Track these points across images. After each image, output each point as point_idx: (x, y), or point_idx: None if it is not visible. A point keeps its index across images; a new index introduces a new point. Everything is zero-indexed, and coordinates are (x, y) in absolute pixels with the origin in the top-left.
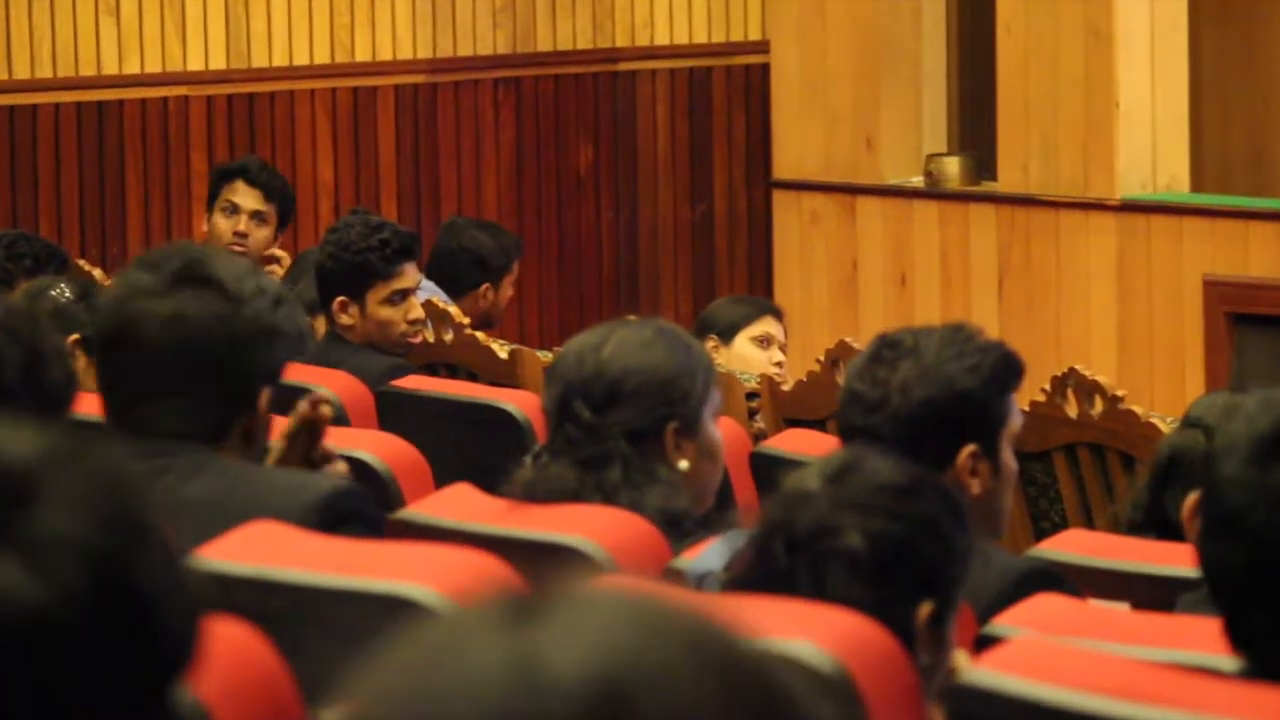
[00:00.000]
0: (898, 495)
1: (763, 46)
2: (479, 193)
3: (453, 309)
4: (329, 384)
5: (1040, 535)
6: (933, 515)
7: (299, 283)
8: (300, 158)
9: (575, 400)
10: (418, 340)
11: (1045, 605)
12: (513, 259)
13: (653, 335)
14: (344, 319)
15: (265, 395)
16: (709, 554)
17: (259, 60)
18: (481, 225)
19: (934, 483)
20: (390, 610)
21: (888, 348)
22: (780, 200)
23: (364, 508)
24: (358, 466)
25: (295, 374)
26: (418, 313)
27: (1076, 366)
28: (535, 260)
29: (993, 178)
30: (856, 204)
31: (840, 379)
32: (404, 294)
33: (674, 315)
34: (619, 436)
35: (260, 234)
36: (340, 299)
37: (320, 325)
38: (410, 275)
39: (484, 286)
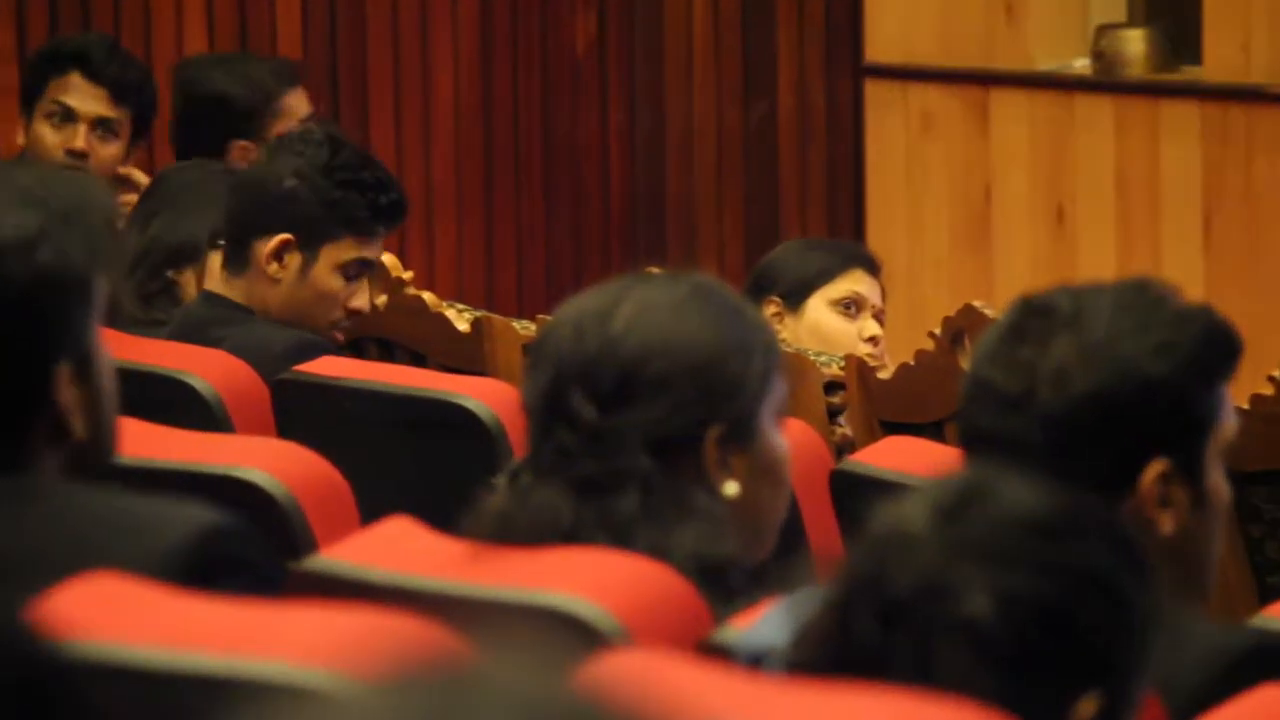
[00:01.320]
0: (1045, 537)
1: None
2: (426, 87)
3: (388, 257)
4: (197, 368)
5: (1268, 596)
6: (1097, 566)
7: (153, 221)
8: (158, 35)
9: (572, 393)
10: (340, 339)
11: (1274, 701)
12: (276, 90)
13: (686, 298)
14: (273, 267)
15: (63, 373)
16: (768, 623)
17: None
18: (219, 60)
19: (1101, 517)
20: (283, 704)
21: (1036, 316)
22: (877, 96)
23: (249, 552)
24: (244, 490)
25: (147, 354)
26: (363, 301)
27: None
28: (510, 184)
29: (1196, 61)
30: (990, 101)
31: (965, 362)
32: (365, 268)
33: (718, 268)
34: (637, 447)
35: (107, 151)
36: (284, 237)
37: (190, 283)
38: (379, 247)
39: (244, 145)
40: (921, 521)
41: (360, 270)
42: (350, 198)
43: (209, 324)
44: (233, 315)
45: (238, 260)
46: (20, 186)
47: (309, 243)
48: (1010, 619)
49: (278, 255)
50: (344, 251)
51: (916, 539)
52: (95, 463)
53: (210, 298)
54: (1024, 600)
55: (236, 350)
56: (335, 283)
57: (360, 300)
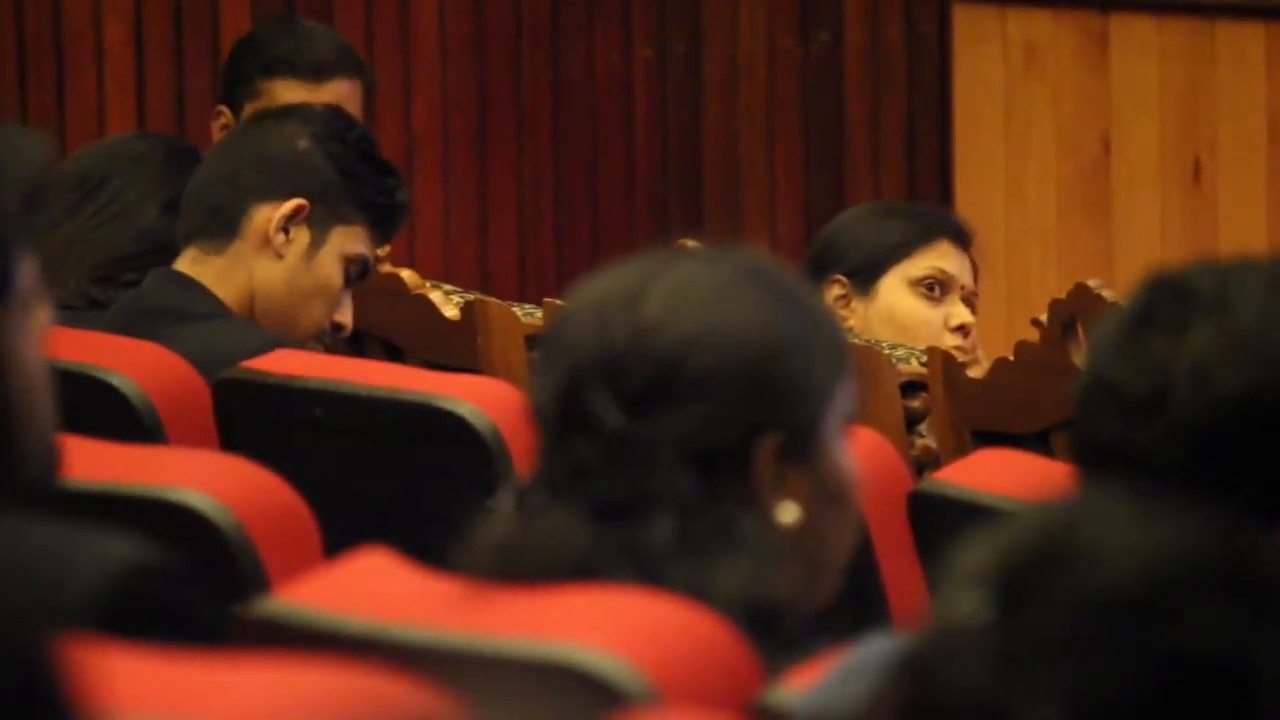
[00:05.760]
0: (1146, 610)
1: None
2: (405, 16)
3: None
4: (122, 365)
5: None
6: (1215, 639)
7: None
8: None
9: (593, 394)
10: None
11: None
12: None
13: (733, 278)
14: (280, 239)
15: None
16: (832, 682)
17: None
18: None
19: (1237, 561)
20: None
21: (1170, 299)
22: (968, 24)
23: (182, 597)
24: (178, 517)
25: (61, 347)
26: (349, 316)
27: None
28: (509, 137)
29: None
30: (1110, 30)
31: (1078, 357)
32: (364, 274)
33: (769, 240)
34: (672, 461)
35: None
36: (299, 202)
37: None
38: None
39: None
40: (975, 609)
41: (361, 273)
42: (370, 176)
43: (163, 314)
44: (196, 303)
45: (223, 231)
46: None
47: (323, 217)
48: None
49: (286, 225)
50: (354, 242)
51: (969, 639)
52: (19, 488)
53: (173, 279)
54: (1106, 708)
55: (199, 352)
56: (337, 277)
57: (346, 314)
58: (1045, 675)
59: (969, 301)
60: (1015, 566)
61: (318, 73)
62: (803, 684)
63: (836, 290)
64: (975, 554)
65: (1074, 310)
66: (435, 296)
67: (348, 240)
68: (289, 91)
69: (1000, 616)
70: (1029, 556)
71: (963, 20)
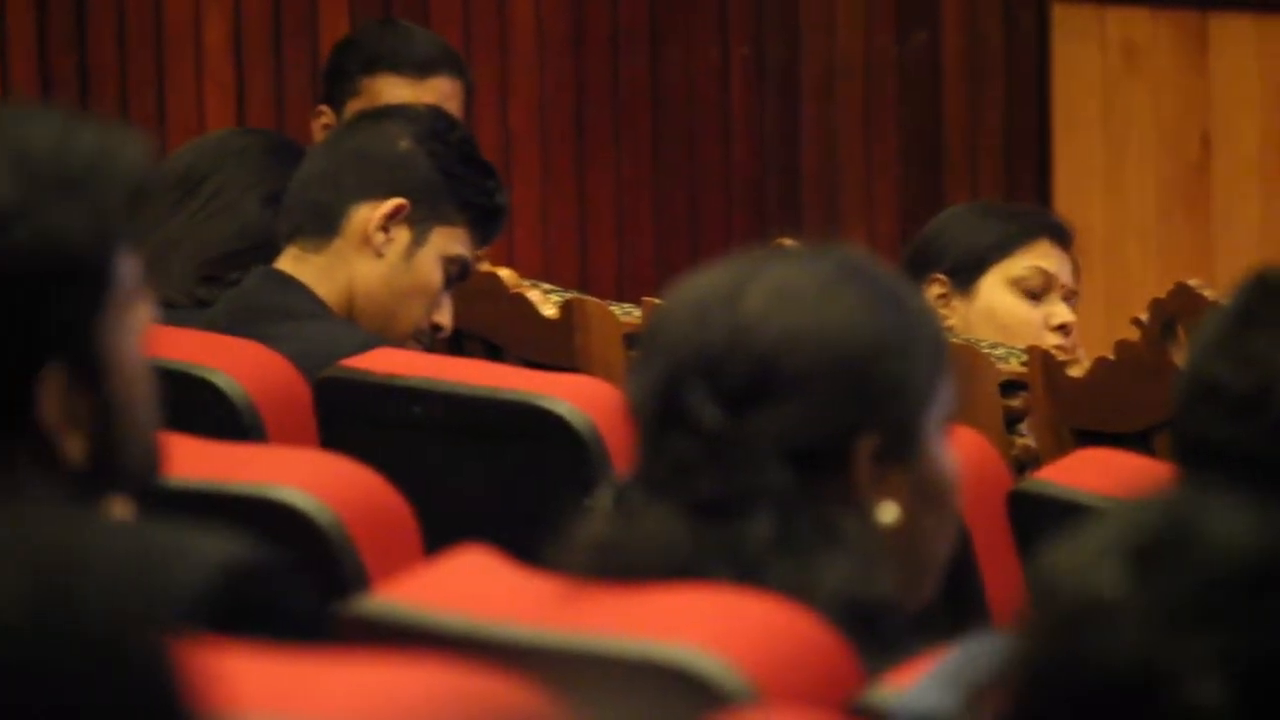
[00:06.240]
0: (1264, 584)
1: None
2: (503, 13)
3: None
4: (223, 363)
5: None
6: None
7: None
8: None
9: (693, 392)
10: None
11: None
12: (390, 63)
13: (833, 277)
14: (380, 238)
15: (52, 381)
16: (932, 683)
17: None
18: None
19: None
20: None
21: (1271, 298)
22: (1067, 22)
23: (285, 595)
24: (279, 515)
25: (162, 346)
26: (448, 317)
27: None
28: (607, 136)
29: None
30: (1210, 27)
31: (1179, 356)
32: (464, 275)
33: (867, 239)
34: (772, 459)
35: None
36: (399, 202)
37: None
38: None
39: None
40: (1114, 580)
41: (461, 274)
42: (471, 177)
43: (264, 313)
44: (297, 303)
45: (324, 229)
46: (18, 146)
47: (423, 218)
48: (1251, 702)
49: (386, 224)
50: (454, 243)
51: (1113, 608)
52: (120, 489)
53: (274, 277)
54: (1264, 676)
55: (300, 351)
56: (437, 277)
57: (446, 315)
58: (1199, 644)
59: (1069, 300)
60: (1141, 544)
61: (421, 69)
62: (903, 684)
63: (937, 289)
64: (1096, 535)
65: (1174, 309)
66: (534, 295)
67: (448, 241)
68: (391, 88)
69: (1140, 587)
70: (1152, 536)
71: (1062, 19)
